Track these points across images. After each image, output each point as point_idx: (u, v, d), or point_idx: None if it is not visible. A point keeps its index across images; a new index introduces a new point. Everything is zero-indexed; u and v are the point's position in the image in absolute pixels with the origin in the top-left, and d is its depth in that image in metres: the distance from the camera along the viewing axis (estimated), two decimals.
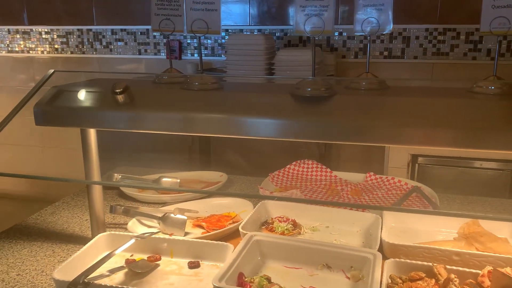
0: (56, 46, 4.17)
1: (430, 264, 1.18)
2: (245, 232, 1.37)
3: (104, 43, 4.05)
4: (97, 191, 1.40)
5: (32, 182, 4.51)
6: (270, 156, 2.80)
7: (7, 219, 1.83)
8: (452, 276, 1.08)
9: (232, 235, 1.48)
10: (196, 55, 3.86)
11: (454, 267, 1.17)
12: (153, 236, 1.30)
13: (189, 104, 1.07)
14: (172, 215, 1.49)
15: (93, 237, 1.43)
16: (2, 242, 1.46)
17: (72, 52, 4.16)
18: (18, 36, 4.27)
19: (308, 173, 2.03)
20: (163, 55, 3.94)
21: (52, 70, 1.21)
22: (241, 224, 1.42)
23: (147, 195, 1.79)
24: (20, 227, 1.58)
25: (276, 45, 3.37)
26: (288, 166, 2.06)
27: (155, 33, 3.91)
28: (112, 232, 1.37)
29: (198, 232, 1.50)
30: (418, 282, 1.13)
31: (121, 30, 3.97)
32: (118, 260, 1.30)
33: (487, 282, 1.10)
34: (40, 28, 4.17)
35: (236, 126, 1.00)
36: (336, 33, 3.50)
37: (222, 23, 1.27)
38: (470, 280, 1.12)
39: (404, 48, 3.44)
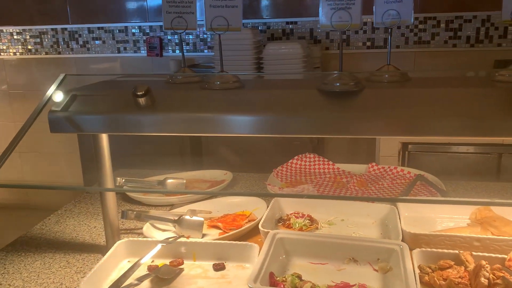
0: (29, 47, 4.01)
1: (456, 251, 1.21)
2: (265, 230, 1.36)
3: (80, 42, 3.93)
4: (111, 198, 1.35)
5: (9, 190, 4.36)
6: (266, 152, 2.80)
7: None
8: (483, 262, 1.10)
9: (249, 234, 1.46)
10: (177, 51, 3.80)
11: (480, 253, 1.20)
12: (178, 240, 1.27)
13: (218, 104, 1.04)
14: (187, 217, 1.46)
15: (108, 244, 1.40)
16: (11, 256, 1.40)
17: (47, 53, 4.02)
18: None
19: (311, 167, 2.04)
20: (143, 53, 3.86)
21: (64, 74, 1.16)
22: (261, 223, 1.41)
23: (153, 198, 1.75)
24: (26, 238, 1.52)
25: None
26: (290, 160, 2.06)
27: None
28: (131, 238, 1.33)
29: (215, 232, 1.47)
30: (448, 270, 1.15)
31: (98, 28, 3.86)
32: (139, 267, 1.26)
33: None
34: (11, 29, 4.00)
35: (274, 125, 0.98)
36: (319, 25, 3.51)
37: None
38: (497, 265, 1.15)
39: (387, 38, 3.47)
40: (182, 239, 1.32)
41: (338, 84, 1.04)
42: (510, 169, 2.70)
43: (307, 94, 1.03)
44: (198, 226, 1.43)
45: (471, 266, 1.15)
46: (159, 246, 1.23)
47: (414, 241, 1.33)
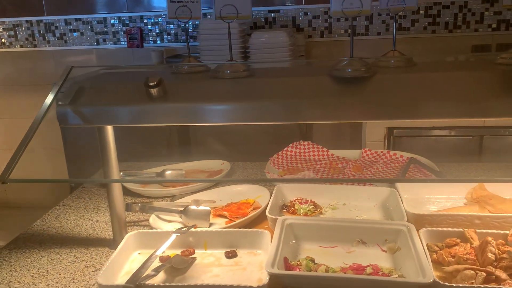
0: (2, 40, 3.88)
1: (461, 229, 1.25)
2: (274, 217, 1.38)
3: (57, 35, 3.83)
4: (117, 191, 1.34)
5: None
6: (256, 140, 2.81)
7: None
8: (489, 238, 1.15)
9: (254, 221, 1.48)
10: (159, 41, 3.75)
11: (483, 230, 1.25)
12: (191, 230, 1.27)
13: (233, 93, 1.04)
14: (193, 207, 1.46)
15: (115, 237, 1.39)
16: (15, 253, 1.37)
17: (22, 46, 3.90)
18: None
19: (306, 154, 2.06)
20: (123, 44, 3.79)
21: (70, 67, 1.14)
22: (267, 210, 1.43)
23: (153, 190, 1.74)
24: (27, 235, 1.49)
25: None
26: (285, 148, 2.07)
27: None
28: (140, 230, 1.33)
29: (221, 221, 1.48)
30: (455, 247, 1.19)
31: (76, 20, 3.77)
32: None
33: None
34: None
35: (292, 112, 0.99)
36: (302, 13, 3.52)
37: None
38: (501, 240, 1.20)
39: (368, 25, 3.52)
40: (198, 229, 1.32)
41: (350, 70, 1.06)
42: (492, 150, 2.80)
43: (322, 81, 1.05)
44: (205, 215, 1.44)
45: (476, 243, 1.20)
46: (173, 236, 1.24)
47: (417, 221, 1.37)
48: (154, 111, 1.06)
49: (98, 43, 3.81)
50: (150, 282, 1.07)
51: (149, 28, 3.74)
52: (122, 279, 1.18)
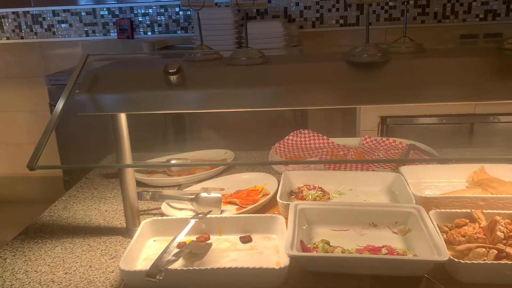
0: None
1: (468, 211, 1.30)
2: (285, 202, 1.40)
3: (45, 26, 3.77)
4: (130, 179, 1.35)
5: None
6: (250, 129, 2.83)
7: None
8: (498, 218, 1.19)
9: (264, 207, 1.50)
10: (149, 33, 3.72)
11: (490, 211, 1.30)
12: (208, 216, 1.29)
13: (251, 79, 1.06)
14: (204, 194, 1.47)
15: (128, 226, 1.40)
16: (27, 244, 1.37)
17: (8, 38, 3.83)
18: None
19: (307, 142, 2.09)
20: (113, 35, 3.75)
21: (87, 54, 1.13)
22: (278, 195, 1.45)
23: (159, 179, 1.75)
24: (37, 226, 1.48)
25: None
26: (286, 137, 2.10)
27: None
28: (155, 218, 1.34)
29: (231, 208, 1.50)
30: (464, 227, 1.24)
31: (64, 11, 3.71)
32: (163, 245, 1.28)
33: None
34: None
35: (315, 97, 1.01)
36: (293, 4, 3.54)
37: None
38: (507, 220, 1.25)
39: (359, 16, 3.56)
40: (211, 215, 1.33)
41: (366, 55, 1.08)
42: (483, 136, 2.88)
43: (340, 66, 1.07)
44: (217, 202, 1.46)
45: (484, 223, 1.25)
46: (192, 222, 1.25)
47: (424, 204, 1.41)
48: (175, 97, 1.06)
49: (87, 35, 3.77)
50: (172, 266, 1.09)
51: (139, 19, 3.71)
52: (141, 265, 1.19)
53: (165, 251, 1.10)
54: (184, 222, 1.31)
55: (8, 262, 1.27)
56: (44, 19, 3.74)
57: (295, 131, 2.12)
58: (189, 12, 3.60)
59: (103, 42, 3.75)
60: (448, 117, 2.97)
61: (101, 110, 1.10)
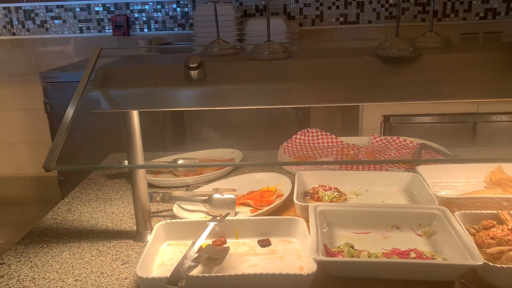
0: None
1: (495, 212, 1.26)
2: (303, 204, 1.35)
3: (38, 22, 3.66)
4: (142, 180, 1.28)
5: None
6: (252, 128, 2.77)
7: None
8: None
9: (278, 209, 1.45)
10: (145, 29, 3.64)
11: None
12: (227, 218, 1.23)
13: (276, 74, 1.00)
14: (218, 195, 1.41)
15: (139, 229, 1.33)
16: (32, 248, 1.29)
17: None
18: None
19: (315, 141, 2.04)
20: (108, 32, 3.66)
21: (100, 48, 1.06)
22: (294, 197, 1.40)
23: (167, 180, 1.68)
24: (41, 229, 1.41)
25: None
26: (294, 136, 2.05)
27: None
28: (168, 221, 1.27)
29: (245, 210, 1.44)
30: (492, 229, 1.19)
31: (57, 6, 3.61)
32: (178, 249, 1.22)
33: None
34: None
35: (345, 93, 0.96)
36: (293, 1, 3.49)
37: None
38: None
39: (359, 13, 3.52)
40: (229, 218, 1.27)
41: (396, 50, 1.03)
42: (487, 135, 2.86)
43: (370, 61, 1.02)
44: (231, 204, 1.40)
45: (511, 224, 1.21)
46: (211, 225, 1.19)
47: (446, 205, 1.37)
48: (195, 93, 1.00)
49: (81, 31, 3.67)
50: (193, 273, 1.02)
51: (135, 16, 3.63)
52: (156, 271, 1.13)
53: (185, 256, 1.04)
54: (198, 224, 1.25)
55: (13, 269, 1.19)
56: (36, 15, 3.64)
57: (303, 130, 2.07)
58: (186, 8, 3.53)
59: (97, 39, 3.66)
60: (451, 116, 2.94)
61: (116, 107, 1.03)
